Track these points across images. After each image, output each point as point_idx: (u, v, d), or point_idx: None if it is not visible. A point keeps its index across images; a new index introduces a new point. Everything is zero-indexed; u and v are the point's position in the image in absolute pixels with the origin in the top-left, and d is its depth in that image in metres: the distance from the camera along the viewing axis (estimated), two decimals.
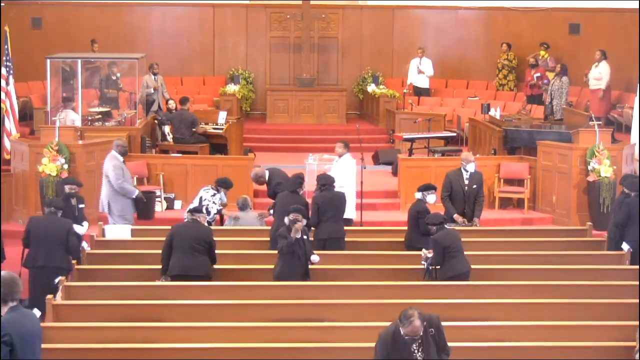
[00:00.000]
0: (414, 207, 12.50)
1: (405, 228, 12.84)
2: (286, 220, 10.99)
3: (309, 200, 12.77)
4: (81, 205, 12.92)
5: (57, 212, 11.79)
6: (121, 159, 14.20)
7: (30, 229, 11.70)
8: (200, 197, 13.76)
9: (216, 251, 11.24)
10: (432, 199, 12.48)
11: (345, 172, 14.30)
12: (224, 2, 24.46)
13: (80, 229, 12.46)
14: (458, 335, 8.62)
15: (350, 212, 13.94)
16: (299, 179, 12.66)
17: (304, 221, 11.05)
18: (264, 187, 14.41)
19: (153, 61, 20.95)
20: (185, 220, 11.64)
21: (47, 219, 11.86)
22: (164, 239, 11.74)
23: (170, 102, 19.55)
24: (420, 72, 23.12)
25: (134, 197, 14.11)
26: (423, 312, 7.43)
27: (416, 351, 7.32)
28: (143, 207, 14.48)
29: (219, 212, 13.76)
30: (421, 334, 7.33)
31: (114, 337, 9.24)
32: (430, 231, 11.19)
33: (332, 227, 12.31)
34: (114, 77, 20.24)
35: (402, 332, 7.33)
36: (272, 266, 11.08)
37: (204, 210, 13.16)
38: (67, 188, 12.95)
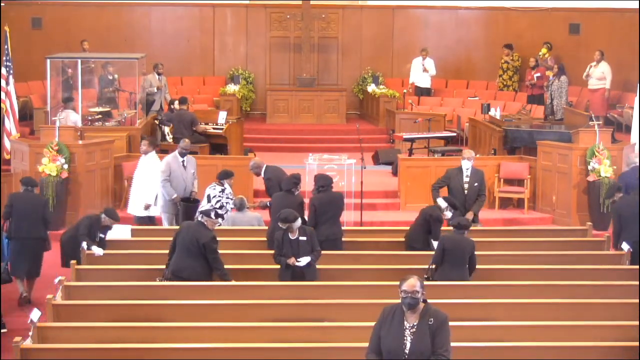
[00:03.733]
0: (432, 211, 12.31)
1: (406, 228, 12.81)
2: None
3: (306, 200, 12.75)
4: (102, 235, 12.44)
5: (33, 190, 12.89)
6: (180, 159, 14.42)
7: (13, 202, 12.56)
8: (208, 195, 13.77)
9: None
10: (449, 214, 12.38)
11: (150, 169, 14.72)
12: (224, 2, 24.46)
13: (97, 249, 11.96)
14: (458, 335, 8.60)
15: (136, 208, 14.75)
16: (294, 179, 12.65)
17: (298, 222, 10.95)
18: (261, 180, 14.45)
19: (153, 61, 20.97)
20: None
21: (27, 195, 12.72)
22: (163, 239, 11.77)
23: (176, 103, 19.42)
24: (425, 70, 23.15)
25: (170, 199, 14.29)
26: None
27: (408, 335, 7.26)
28: (184, 213, 14.23)
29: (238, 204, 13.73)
30: (418, 290, 7.24)
31: (114, 337, 9.24)
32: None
33: (329, 229, 12.23)
34: (110, 77, 20.24)
35: (400, 292, 7.28)
36: (269, 266, 11.12)
37: (219, 206, 13.24)
38: (105, 219, 12.31)
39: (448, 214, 12.31)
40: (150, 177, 14.68)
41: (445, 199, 12.50)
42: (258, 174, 14.06)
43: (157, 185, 14.59)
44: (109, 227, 12.44)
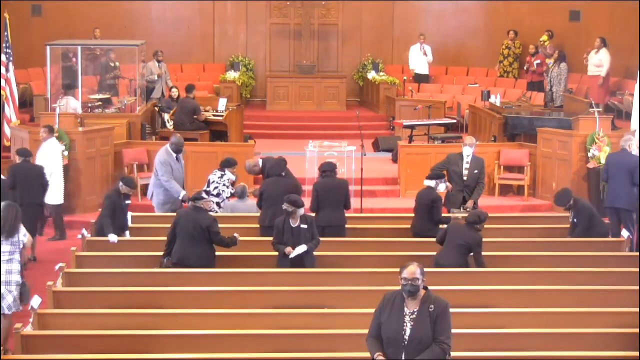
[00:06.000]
0: (427, 195, 12.26)
1: (406, 215, 12.81)
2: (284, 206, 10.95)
3: (307, 187, 12.75)
4: (127, 202, 12.56)
5: (29, 160, 13.74)
6: (174, 155, 13.84)
7: (15, 173, 13.44)
8: (209, 181, 13.78)
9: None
10: (442, 187, 12.43)
11: (50, 156, 14.64)
12: None
13: (112, 237, 11.93)
14: (457, 322, 8.62)
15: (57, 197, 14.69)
16: (282, 161, 12.69)
17: (301, 210, 10.93)
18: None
19: (154, 48, 20.94)
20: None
21: (26, 166, 13.63)
22: (163, 225, 11.77)
23: (174, 90, 19.38)
24: (424, 53, 23.16)
25: (179, 197, 13.67)
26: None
27: (408, 321, 7.27)
28: None
29: (232, 190, 13.69)
30: (418, 277, 7.25)
31: (114, 324, 9.26)
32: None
33: (330, 215, 12.24)
34: (111, 65, 20.22)
35: (400, 280, 7.29)
36: (269, 253, 11.14)
37: (216, 193, 13.20)
38: (123, 187, 12.34)
39: (442, 187, 12.35)
40: (51, 164, 14.49)
41: (428, 177, 12.48)
42: (259, 172, 13.90)
43: (59, 172, 14.73)
44: (129, 195, 12.58)
